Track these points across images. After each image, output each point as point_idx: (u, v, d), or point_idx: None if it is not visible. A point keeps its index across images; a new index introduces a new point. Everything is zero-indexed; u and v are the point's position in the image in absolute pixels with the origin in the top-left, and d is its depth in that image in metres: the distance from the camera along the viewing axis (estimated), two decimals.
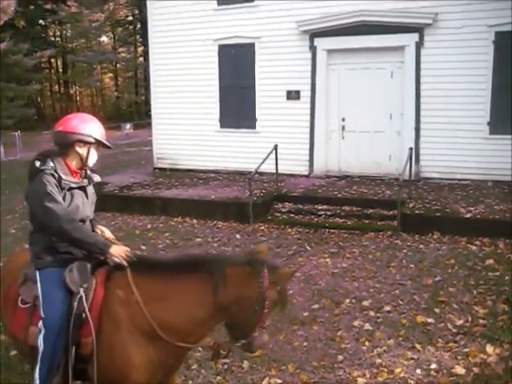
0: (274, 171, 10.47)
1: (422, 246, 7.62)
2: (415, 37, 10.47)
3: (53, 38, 44.74)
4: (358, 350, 4.69)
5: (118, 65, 45.65)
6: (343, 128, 11.46)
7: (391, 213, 8.65)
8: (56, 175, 3.11)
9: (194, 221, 9.48)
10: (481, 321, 5.13)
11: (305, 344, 4.88)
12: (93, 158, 3.29)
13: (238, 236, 8.50)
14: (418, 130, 10.73)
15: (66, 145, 3.21)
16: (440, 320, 5.21)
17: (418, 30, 10.42)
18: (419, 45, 10.47)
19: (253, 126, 12.21)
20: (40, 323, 3.03)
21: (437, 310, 5.42)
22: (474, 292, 5.86)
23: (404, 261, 7.03)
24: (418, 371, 4.28)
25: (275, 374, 4.38)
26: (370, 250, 7.53)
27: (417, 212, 8.49)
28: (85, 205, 3.29)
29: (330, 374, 4.31)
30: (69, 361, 3.00)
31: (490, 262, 6.77)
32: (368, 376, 4.25)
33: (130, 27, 41.55)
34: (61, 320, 2.99)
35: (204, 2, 12.21)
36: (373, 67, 11.00)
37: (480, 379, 4.13)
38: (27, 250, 3.42)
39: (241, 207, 9.38)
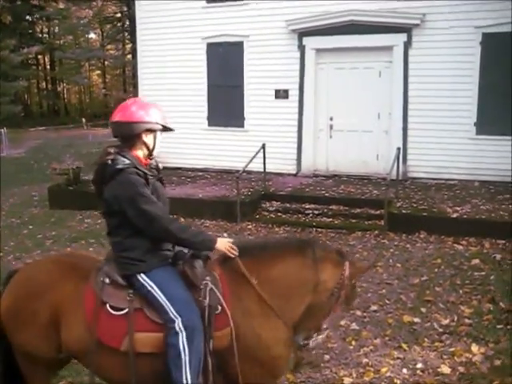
0: (262, 170, 10.46)
1: (408, 246, 7.66)
2: (403, 37, 10.52)
3: (40, 35, 44.30)
4: (345, 350, 4.68)
5: (106, 62, 45.28)
6: (331, 127, 11.48)
7: (378, 212, 8.68)
8: (140, 172, 2.93)
9: (182, 219, 9.44)
10: (466, 320, 5.16)
11: None
12: (158, 145, 3.13)
13: (225, 235, 8.46)
14: (405, 129, 10.78)
15: (132, 136, 3.02)
16: (426, 319, 5.23)
17: (407, 30, 10.47)
18: (407, 45, 10.52)
19: (241, 125, 12.19)
20: (177, 325, 2.81)
21: (423, 310, 5.44)
22: (460, 291, 5.89)
23: (391, 260, 7.06)
24: (405, 371, 4.30)
25: None
26: (357, 250, 7.54)
27: (404, 211, 8.53)
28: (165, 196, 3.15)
29: (317, 373, 4.29)
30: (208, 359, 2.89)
31: (476, 261, 6.82)
32: (354, 375, 4.25)
33: (119, 24, 41.19)
34: (198, 316, 2.86)
35: None
36: (361, 67, 11.04)
37: (465, 378, 4.15)
38: (41, 260, 3.26)
39: (228, 206, 9.36)
